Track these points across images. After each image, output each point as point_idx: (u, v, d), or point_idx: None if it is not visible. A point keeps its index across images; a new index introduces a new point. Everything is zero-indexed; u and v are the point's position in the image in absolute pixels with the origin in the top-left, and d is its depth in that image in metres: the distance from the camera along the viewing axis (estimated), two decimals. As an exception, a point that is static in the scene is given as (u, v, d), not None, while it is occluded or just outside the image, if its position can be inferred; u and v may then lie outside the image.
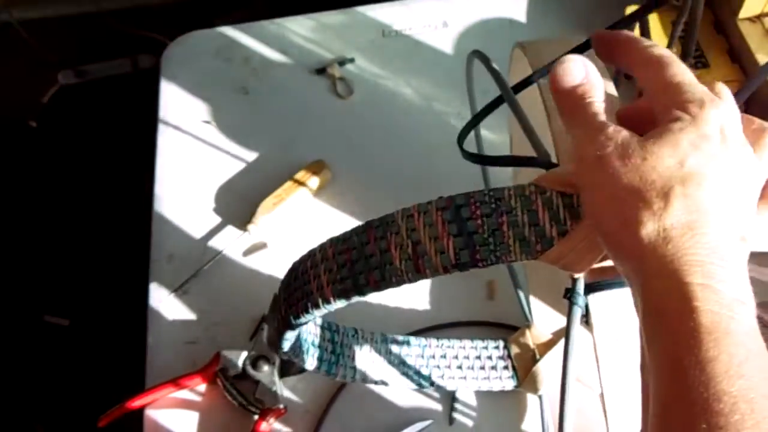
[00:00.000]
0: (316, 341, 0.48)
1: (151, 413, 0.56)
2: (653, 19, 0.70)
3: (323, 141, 0.70)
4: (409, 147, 0.69)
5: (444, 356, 0.54)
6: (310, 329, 0.47)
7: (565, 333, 0.33)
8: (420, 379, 0.53)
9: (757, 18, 0.65)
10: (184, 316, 0.62)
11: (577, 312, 0.33)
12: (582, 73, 0.30)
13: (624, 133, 0.27)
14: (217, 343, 0.60)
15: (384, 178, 0.67)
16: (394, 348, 0.53)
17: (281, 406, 0.55)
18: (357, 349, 0.51)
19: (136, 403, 0.55)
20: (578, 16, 0.77)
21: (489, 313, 0.59)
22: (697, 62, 0.66)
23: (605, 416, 0.34)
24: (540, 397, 0.53)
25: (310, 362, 0.46)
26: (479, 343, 0.55)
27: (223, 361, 0.55)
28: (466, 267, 0.31)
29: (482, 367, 0.54)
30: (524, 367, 0.54)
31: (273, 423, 0.55)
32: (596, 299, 0.33)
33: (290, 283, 0.37)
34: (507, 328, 0.58)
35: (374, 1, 0.81)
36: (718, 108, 0.27)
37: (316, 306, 0.34)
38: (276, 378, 0.55)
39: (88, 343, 1.12)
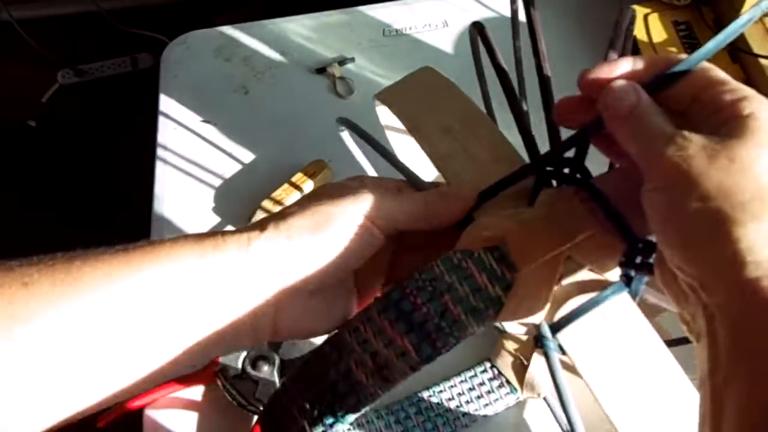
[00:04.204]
0: None
1: (150, 413, 0.56)
2: (653, 19, 0.70)
3: (323, 141, 0.70)
4: (409, 147, 0.69)
5: (440, 403, 0.53)
6: None
7: (552, 380, 0.31)
8: None
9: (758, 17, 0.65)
10: (184, 316, 0.61)
11: (555, 357, 0.31)
12: (634, 95, 0.28)
13: (699, 136, 0.25)
14: (217, 343, 0.59)
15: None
16: (392, 417, 0.52)
17: (281, 406, 0.54)
18: None
19: (136, 403, 0.55)
20: (577, 15, 0.77)
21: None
22: (698, 62, 0.66)
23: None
24: (545, 399, 0.53)
25: None
26: (467, 374, 0.54)
27: (222, 361, 0.55)
28: (432, 358, 0.30)
29: (479, 396, 0.53)
30: (519, 378, 0.53)
31: (273, 423, 0.55)
32: (566, 335, 0.32)
33: (268, 426, 0.35)
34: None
35: (374, 0, 0.81)
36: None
37: None
38: (276, 378, 0.55)
39: (88, 342, 1.12)
